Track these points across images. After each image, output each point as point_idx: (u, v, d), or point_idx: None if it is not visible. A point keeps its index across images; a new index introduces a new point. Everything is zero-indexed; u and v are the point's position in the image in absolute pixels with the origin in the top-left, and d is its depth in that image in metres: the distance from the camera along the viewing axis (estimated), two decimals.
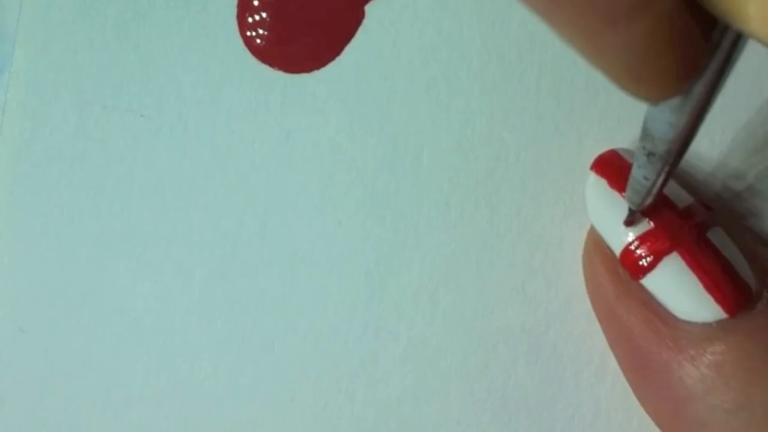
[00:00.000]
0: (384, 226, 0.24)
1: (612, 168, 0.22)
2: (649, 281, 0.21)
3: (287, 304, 0.25)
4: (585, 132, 0.24)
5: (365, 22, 0.25)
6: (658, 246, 0.20)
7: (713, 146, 0.23)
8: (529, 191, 0.24)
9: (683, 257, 0.20)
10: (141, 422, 0.25)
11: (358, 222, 0.25)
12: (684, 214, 0.21)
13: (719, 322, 0.20)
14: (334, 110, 0.25)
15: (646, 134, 0.16)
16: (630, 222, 0.21)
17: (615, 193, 0.21)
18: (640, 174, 0.18)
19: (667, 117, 0.15)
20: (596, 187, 0.22)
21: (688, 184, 0.23)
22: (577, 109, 0.24)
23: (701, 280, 0.20)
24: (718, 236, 0.21)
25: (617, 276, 0.21)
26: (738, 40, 0.13)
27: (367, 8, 0.25)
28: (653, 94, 0.14)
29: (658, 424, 0.22)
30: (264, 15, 0.25)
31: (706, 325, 0.20)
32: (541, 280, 0.24)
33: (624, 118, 0.24)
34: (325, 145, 0.25)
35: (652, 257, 0.20)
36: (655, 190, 0.19)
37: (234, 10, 0.25)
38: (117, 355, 0.25)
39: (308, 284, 0.25)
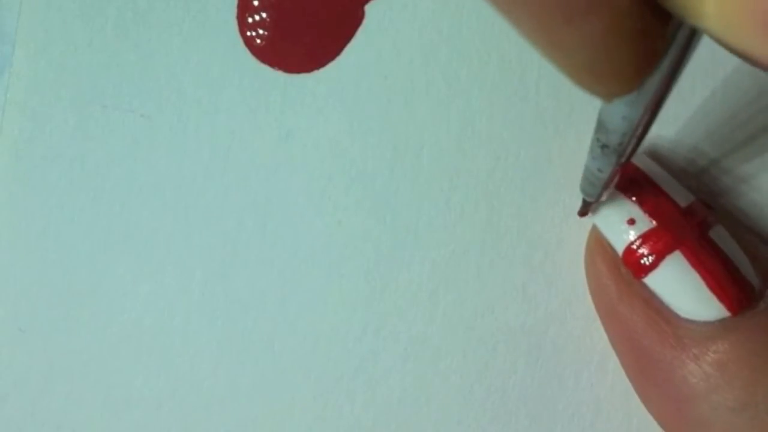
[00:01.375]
0: (384, 226, 0.24)
1: None
2: (652, 280, 0.21)
3: (287, 304, 0.25)
4: (585, 132, 0.24)
5: (365, 22, 0.25)
6: (661, 245, 0.20)
7: (714, 145, 0.23)
8: (529, 191, 0.24)
9: (686, 256, 0.20)
10: (141, 422, 0.25)
11: (358, 222, 0.25)
12: (686, 212, 0.21)
13: (722, 321, 0.20)
14: (334, 110, 0.25)
15: (600, 126, 0.17)
16: (583, 213, 0.21)
17: (617, 192, 0.21)
18: (595, 166, 0.19)
19: (621, 110, 0.15)
20: None
21: (690, 182, 0.23)
22: (577, 109, 0.24)
23: (704, 278, 0.20)
24: (719, 235, 0.21)
25: (619, 275, 0.21)
26: (693, 35, 0.13)
27: (367, 8, 0.25)
28: (608, 90, 0.14)
29: (661, 423, 0.22)
30: (264, 15, 0.25)
31: (708, 324, 0.20)
32: (541, 280, 0.24)
33: None
34: (325, 145, 0.25)
35: (654, 256, 0.20)
36: (610, 183, 0.19)
37: (234, 10, 0.25)
38: (117, 355, 0.25)
39: (308, 284, 0.25)
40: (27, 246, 0.25)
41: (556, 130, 0.24)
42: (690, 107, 0.24)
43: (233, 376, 0.25)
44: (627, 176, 0.21)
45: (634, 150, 0.17)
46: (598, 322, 0.23)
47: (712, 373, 0.20)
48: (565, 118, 0.24)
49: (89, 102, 0.25)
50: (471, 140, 0.24)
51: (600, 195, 0.20)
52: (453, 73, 0.24)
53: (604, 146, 0.17)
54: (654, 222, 0.21)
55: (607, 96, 0.14)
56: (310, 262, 0.25)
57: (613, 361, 0.23)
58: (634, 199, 0.21)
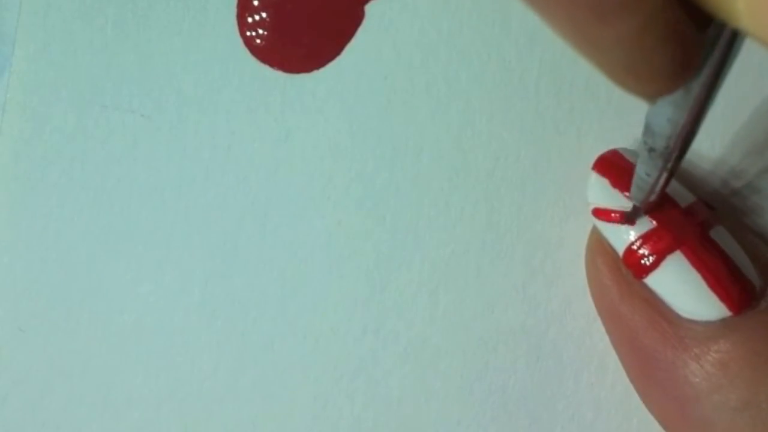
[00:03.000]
0: (384, 226, 0.24)
1: (614, 167, 0.22)
2: (653, 280, 0.21)
3: (287, 303, 0.25)
4: (585, 132, 0.24)
5: (365, 22, 0.25)
6: (661, 245, 0.20)
7: (714, 146, 0.23)
8: (529, 191, 0.24)
9: (687, 256, 0.20)
10: (141, 422, 0.25)
11: (358, 222, 0.25)
12: (687, 212, 0.21)
13: (723, 320, 0.20)
14: (334, 110, 0.25)
15: (647, 129, 0.17)
16: (632, 220, 0.21)
17: (617, 193, 0.21)
18: (643, 170, 0.18)
19: (667, 113, 0.15)
20: (598, 186, 0.22)
21: (690, 183, 0.23)
22: (576, 108, 0.24)
23: (705, 278, 0.20)
24: (720, 235, 0.21)
25: (620, 275, 0.21)
26: (735, 36, 0.13)
27: (367, 8, 0.25)
28: (648, 91, 0.14)
29: (663, 423, 0.22)
30: (264, 15, 0.25)
31: (710, 324, 0.20)
32: (541, 280, 0.24)
33: (624, 118, 0.24)
34: (325, 145, 0.25)
35: (655, 256, 0.20)
36: (657, 188, 0.19)
37: (234, 10, 0.25)
38: (117, 355, 0.25)
39: (308, 284, 0.25)
40: (27, 246, 0.25)
41: (556, 130, 0.24)
42: None
43: (233, 376, 0.25)
44: (626, 176, 0.21)
45: (682, 154, 0.17)
46: (598, 322, 0.23)
47: (714, 373, 0.20)
48: (565, 118, 0.24)
49: (89, 102, 0.25)
50: (471, 140, 0.24)
51: (648, 200, 0.20)
52: (453, 73, 0.24)
53: (651, 149, 0.17)
54: (654, 222, 0.21)
55: (648, 96, 0.14)
56: (310, 262, 0.25)
57: (613, 361, 0.23)
58: None
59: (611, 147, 0.23)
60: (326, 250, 0.25)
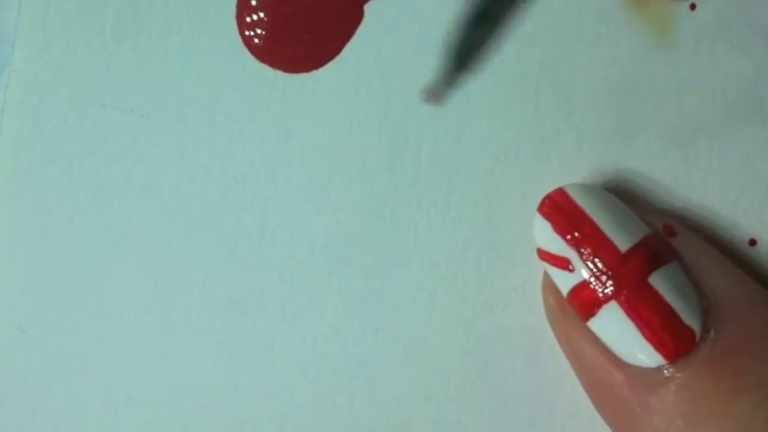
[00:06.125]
0: (384, 226, 0.24)
1: (558, 211, 0.22)
2: (594, 326, 0.21)
3: (287, 304, 0.25)
4: (584, 132, 0.24)
5: (365, 22, 0.25)
6: (596, 294, 0.20)
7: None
8: (528, 191, 0.24)
9: (621, 305, 0.20)
10: (141, 422, 0.25)
11: (357, 221, 0.25)
12: (626, 258, 0.21)
13: (663, 367, 0.20)
14: (334, 110, 0.25)
15: None
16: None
17: (559, 239, 0.21)
18: None
19: None
20: (541, 229, 0.22)
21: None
22: (576, 109, 0.24)
23: (639, 327, 0.20)
24: (663, 278, 0.20)
25: (570, 316, 0.22)
26: None
27: (367, 8, 0.25)
28: None
29: None
30: (263, 14, 0.25)
31: (650, 370, 0.20)
32: (541, 280, 0.24)
33: (623, 118, 0.24)
34: (325, 145, 0.25)
35: (592, 304, 0.21)
36: None
37: (234, 10, 0.25)
38: (117, 355, 0.25)
39: (308, 284, 0.25)
40: (27, 246, 0.25)
41: (556, 130, 0.24)
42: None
43: (233, 376, 0.25)
44: (571, 222, 0.21)
45: None
46: None
47: (651, 421, 0.20)
48: (564, 118, 0.24)
49: (88, 102, 0.25)
50: (471, 140, 0.24)
51: None
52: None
53: None
54: (592, 270, 0.21)
55: None
56: (309, 261, 0.25)
57: None
58: (573, 244, 0.21)
59: (611, 148, 0.23)
60: (326, 250, 0.25)
